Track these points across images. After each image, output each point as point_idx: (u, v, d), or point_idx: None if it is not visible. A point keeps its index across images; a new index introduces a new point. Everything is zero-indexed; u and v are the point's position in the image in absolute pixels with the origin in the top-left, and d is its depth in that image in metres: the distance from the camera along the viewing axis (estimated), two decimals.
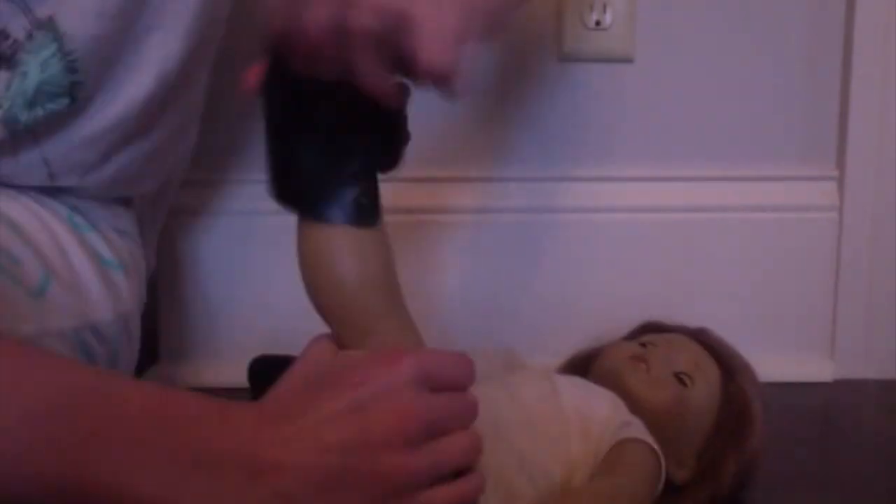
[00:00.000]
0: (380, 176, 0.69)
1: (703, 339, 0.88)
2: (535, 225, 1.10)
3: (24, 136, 0.77)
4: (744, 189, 1.09)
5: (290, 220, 1.08)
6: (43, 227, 0.79)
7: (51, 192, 0.81)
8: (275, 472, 0.55)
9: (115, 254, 0.84)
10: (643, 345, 0.86)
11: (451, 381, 0.61)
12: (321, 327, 0.77)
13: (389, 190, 1.08)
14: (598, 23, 1.06)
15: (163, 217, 0.98)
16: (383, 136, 0.67)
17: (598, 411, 0.76)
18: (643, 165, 1.10)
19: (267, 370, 1.00)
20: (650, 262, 1.10)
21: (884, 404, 1.08)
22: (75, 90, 0.77)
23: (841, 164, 1.09)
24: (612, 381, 0.81)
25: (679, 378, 0.82)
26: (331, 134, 0.65)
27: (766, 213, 1.10)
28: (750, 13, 1.07)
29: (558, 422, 0.75)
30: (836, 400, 1.08)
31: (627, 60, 1.08)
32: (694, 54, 1.08)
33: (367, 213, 0.67)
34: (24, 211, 0.78)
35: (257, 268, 1.08)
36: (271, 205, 1.12)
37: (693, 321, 1.10)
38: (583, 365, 0.89)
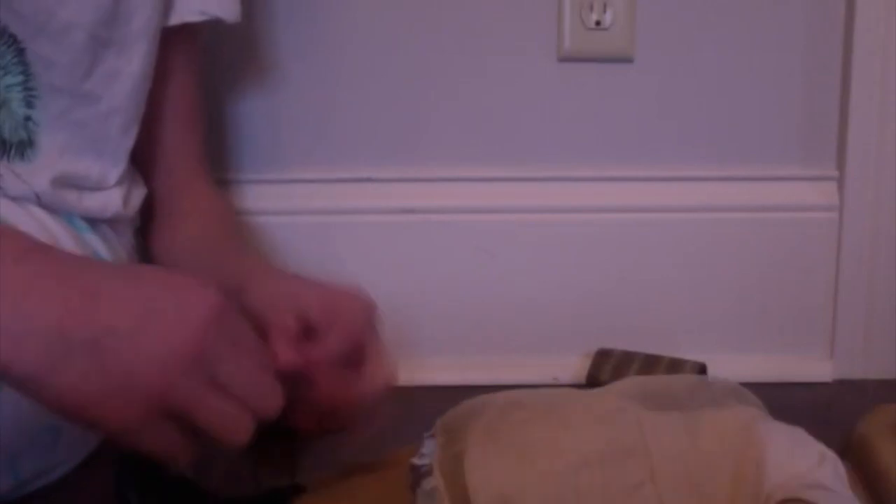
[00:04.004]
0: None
1: None
2: (534, 225, 1.10)
3: None
4: (744, 189, 1.09)
5: (290, 220, 1.09)
6: (44, 230, 0.78)
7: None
8: None
9: (113, 254, 0.84)
10: None
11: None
12: None
13: (389, 190, 1.09)
14: (598, 23, 1.06)
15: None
16: None
17: (787, 468, 0.58)
18: (643, 165, 1.10)
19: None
20: (650, 262, 1.10)
21: (884, 404, 1.07)
22: None
23: (841, 164, 1.09)
24: (861, 452, 0.62)
25: None
26: None
27: (766, 213, 1.09)
28: (750, 13, 1.07)
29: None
30: (836, 400, 1.07)
31: (627, 60, 1.08)
32: (694, 54, 1.07)
33: None
34: (24, 215, 0.78)
35: None
36: (269, 204, 1.12)
37: (694, 321, 1.11)
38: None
